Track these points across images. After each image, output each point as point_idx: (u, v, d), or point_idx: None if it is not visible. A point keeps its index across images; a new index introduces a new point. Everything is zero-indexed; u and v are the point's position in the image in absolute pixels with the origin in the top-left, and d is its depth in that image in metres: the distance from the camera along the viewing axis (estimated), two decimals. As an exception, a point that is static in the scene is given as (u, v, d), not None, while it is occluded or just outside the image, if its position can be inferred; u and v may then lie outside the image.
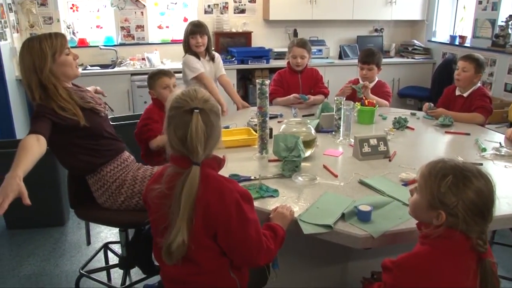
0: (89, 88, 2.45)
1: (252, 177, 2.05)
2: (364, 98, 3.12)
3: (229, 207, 1.43)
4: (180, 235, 1.40)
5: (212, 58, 3.61)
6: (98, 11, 5.50)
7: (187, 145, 1.42)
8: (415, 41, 6.11)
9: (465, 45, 5.42)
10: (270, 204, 1.79)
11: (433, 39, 6.04)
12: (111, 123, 2.48)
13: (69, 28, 5.31)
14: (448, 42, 5.76)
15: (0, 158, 3.21)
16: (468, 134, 2.73)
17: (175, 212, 1.41)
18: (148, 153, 2.86)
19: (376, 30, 6.24)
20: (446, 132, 2.80)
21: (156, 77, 2.86)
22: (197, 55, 3.49)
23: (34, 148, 1.87)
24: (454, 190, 1.30)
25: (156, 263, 2.54)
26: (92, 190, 2.30)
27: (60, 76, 2.18)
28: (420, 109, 3.51)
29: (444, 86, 3.47)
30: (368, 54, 3.46)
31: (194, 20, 3.59)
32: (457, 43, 5.57)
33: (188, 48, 3.50)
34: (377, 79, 3.51)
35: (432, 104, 3.16)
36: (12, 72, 4.57)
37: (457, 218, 1.29)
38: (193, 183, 1.41)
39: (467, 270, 1.31)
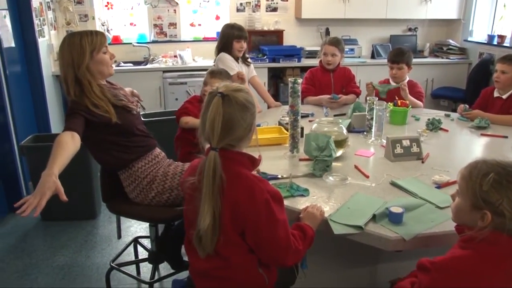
0: (126, 89, 2.49)
1: (280, 176, 2.05)
2: (396, 98, 3.07)
3: (259, 206, 1.43)
4: (207, 218, 1.41)
5: (246, 60, 3.66)
6: (132, 8, 5.58)
7: (206, 128, 1.45)
8: (451, 41, 5.96)
9: (504, 44, 5.25)
10: (300, 203, 1.78)
11: (469, 39, 5.89)
12: (143, 119, 2.52)
13: (103, 25, 5.41)
14: (485, 41, 5.60)
15: (38, 151, 3.33)
16: (506, 137, 2.65)
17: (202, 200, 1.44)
18: (181, 139, 2.92)
19: (410, 29, 6.13)
20: (482, 135, 2.73)
21: None
22: (233, 57, 3.51)
23: (69, 145, 1.91)
24: (497, 187, 1.26)
25: (185, 259, 2.58)
26: (123, 185, 2.34)
27: (96, 74, 2.21)
28: (454, 111, 3.43)
29: (480, 87, 3.38)
30: (397, 53, 3.40)
31: (235, 24, 3.61)
32: (495, 42, 5.40)
33: (227, 50, 3.51)
34: (408, 79, 3.44)
35: (467, 106, 3.09)
36: (48, 68, 4.69)
37: (504, 218, 1.25)
38: (210, 167, 1.42)
39: (511, 274, 1.27)
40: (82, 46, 2.16)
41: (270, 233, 1.45)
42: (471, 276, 1.28)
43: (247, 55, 3.71)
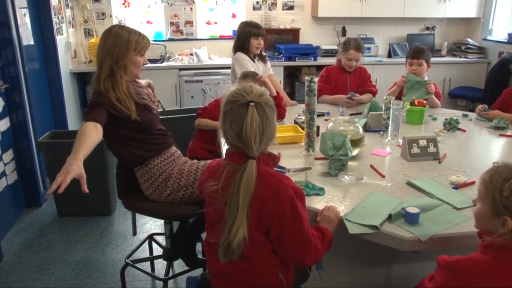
0: (142, 82, 2.50)
1: (286, 169, 2.06)
2: (414, 97, 3.04)
3: (284, 202, 1.43)
4: (241, 231, 1.40)
5: (263, 58, 3.66)
6: (148, 6, 5.62)
7: (242, 139, 1.43)
8: (469, 40, 5.88)
9: (525, 44, 5.17)
10: (316, 202, 1.77)
11: (488, 38, 5.80)
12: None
13: (120, 23, 5.45)
14: (505, 40, 5.50)
15: (55, 147, 3.37)
16: (525, 137, 2.61)
17: (234, 209, 1.42)
18: (200, 139, 2.98)
19: (427, 28, 6.06)
20: (501, 135, 2.69)
21: None
22: (249, 55, 3.51)
23: (93, 134, 1.94)
24: None
25: (200, 257, 2.59)
26: (139, 182, 2.36)
27: (128, 72, 2.25)
28: (472, 111, 3.38)
29: (499, 87, 3.33)
30: (417, 49, 3.39)
31: (252, 21, 3.59)
32: (516, 41, 5.32)
33: (245, 48, 3.51)
34: (426, 78, 3.40)
35: (486, 106, 3.04)
36: (66, 65, 4.74)
37: None
38: (250, 178, 1.41)
39: None
40: (128, 42, 2.20)
41: (294, 229, 1.45)
42: (483, 280, 1.26)
43: (264, 53, 3.69)
